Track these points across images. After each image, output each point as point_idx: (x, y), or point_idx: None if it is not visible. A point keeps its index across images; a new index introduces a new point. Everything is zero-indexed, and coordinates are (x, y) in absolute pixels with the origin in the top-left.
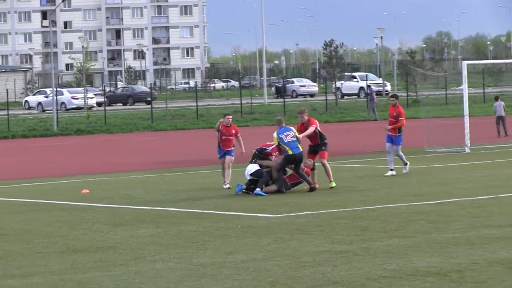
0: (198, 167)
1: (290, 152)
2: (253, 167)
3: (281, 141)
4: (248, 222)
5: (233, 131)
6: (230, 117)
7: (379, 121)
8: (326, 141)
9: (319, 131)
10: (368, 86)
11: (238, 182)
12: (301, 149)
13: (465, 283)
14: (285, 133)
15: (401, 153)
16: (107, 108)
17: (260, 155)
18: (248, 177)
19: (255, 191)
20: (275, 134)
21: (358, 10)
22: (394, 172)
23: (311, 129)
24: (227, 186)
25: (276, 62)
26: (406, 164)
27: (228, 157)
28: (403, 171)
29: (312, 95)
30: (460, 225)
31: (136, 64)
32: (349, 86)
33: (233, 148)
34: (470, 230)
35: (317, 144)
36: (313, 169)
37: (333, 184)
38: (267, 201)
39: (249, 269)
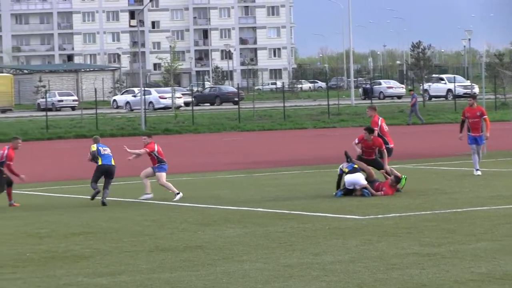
0: (285, 167)
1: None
2: (359, 180)
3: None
4: (335, 223)
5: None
6: (145, 137)
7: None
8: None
9: (378, 134)
10: (411, 90)
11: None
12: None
13: None
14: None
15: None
16: (195, 108)
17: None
18: (350, 187)
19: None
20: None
21: (446, 12)
22: (480, 172)
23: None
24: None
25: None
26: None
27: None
28: (476, 173)
29: (399, 97)
30: None
31: (224, 64)
32: (437, 88)
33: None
34: None
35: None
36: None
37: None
38: (354, 202)
39: (336, 271)
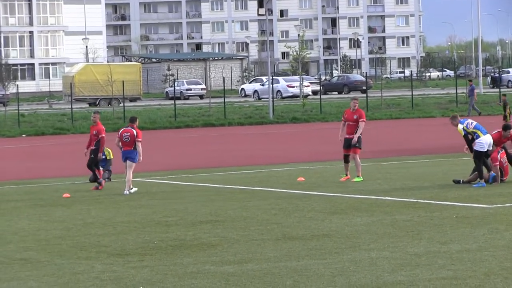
0: (413, 156)
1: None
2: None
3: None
4: (463, 212)
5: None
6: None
7: None
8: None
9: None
10: (470, 80)
11: None
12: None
13: None
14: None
15: None
16: (323, 96)
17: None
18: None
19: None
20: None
21: None
22: None
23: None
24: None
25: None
26: None
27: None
28: None
29: None
30: None
31: (352, 53)
32: None
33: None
34: None
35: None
36: (347, 161)
37: (357, 179)
38: (482, 191)
39: (463, 259)
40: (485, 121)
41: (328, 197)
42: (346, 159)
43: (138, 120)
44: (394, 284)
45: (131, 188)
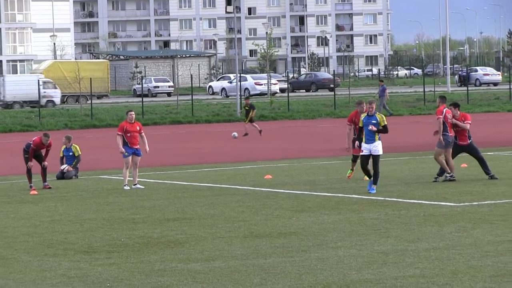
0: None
1: None
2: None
3: None
4: (430, 210)
5: (137, 128)
6: (133, 113)
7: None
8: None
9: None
10: (381, 80)
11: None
12: None
13: None
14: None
15: None
16: (290, 94)
17: None
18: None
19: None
20: None
21: None
22: None
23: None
24: (138, 186)
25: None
26: None
27: (136, 157)
28: None
29: (495, 84)
30: None
31: (320, 51)
32: None
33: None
34: None
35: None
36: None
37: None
38: (449, 189)
39: (431, 258)
40: (394, 120)
41: (296, 195)
42: (356, 159)
43: (129, 113)
44: (361, 282)
45: (125, 185)
